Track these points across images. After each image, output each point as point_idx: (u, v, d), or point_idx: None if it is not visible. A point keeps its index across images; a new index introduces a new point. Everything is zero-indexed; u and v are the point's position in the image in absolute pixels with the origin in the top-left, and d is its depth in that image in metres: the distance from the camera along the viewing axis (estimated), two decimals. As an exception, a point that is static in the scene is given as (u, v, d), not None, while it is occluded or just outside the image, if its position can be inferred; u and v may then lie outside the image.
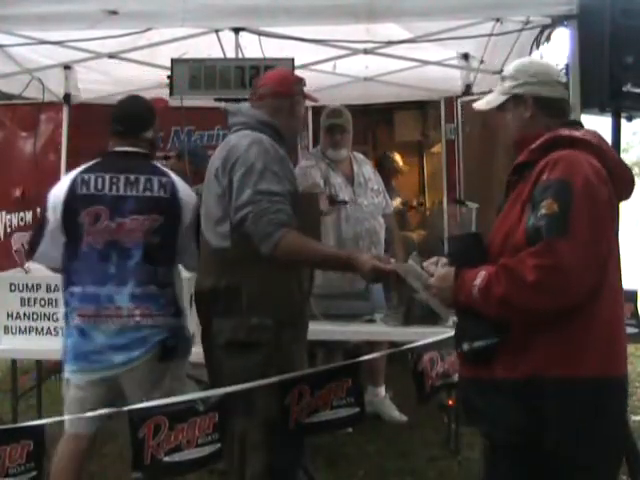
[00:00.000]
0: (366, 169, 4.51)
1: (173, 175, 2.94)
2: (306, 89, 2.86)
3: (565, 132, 2.07)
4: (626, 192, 2.08)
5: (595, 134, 2.10)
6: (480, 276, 1.92)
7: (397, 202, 6.04)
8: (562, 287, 1.84)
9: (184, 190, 2.91)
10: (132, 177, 2.84)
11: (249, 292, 2.55)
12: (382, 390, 4.69)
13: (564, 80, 2.22)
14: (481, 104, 2.30)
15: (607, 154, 2.05)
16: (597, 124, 2.87)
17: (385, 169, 5.88)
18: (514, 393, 1.94)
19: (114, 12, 3.28)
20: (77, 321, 2.74)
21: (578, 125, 2.17)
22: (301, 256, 2.50)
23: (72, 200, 2.80)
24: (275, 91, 2.77)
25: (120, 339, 2.71)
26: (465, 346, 2.02)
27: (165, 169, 2.98)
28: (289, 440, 2.50)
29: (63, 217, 2.79)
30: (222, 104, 3.94)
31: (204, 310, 2.69)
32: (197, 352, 2.82)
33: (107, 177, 2.84)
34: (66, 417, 2.10)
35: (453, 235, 2.13)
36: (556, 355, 1.91)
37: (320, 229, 2.78)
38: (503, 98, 2.20)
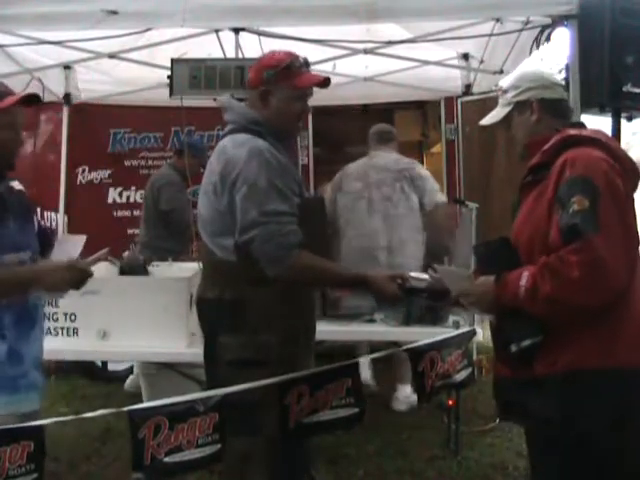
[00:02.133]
0: None
1: None
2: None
3: (574, 132, 2.14)
4: (633, 185, 2.15)
5: (601, 132, 2.17)
6: (524, 277, 1.97)
7: None
8: (604, 281, 1.89)
9: None
10: None
11: (257, 308, 2.41)
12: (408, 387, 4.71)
13: (561, 81, 2.32)
14: (489, 120, 2.39)
15: (615, 150, 2.10)
16: (597, 124, 2.88)
17: None
18: (555, 388, 1.99)
19: (114, 12, 3.28)
20: None
21: (582, 126, 2.24)
22: (315, 280, 2.47)
23: None
24: (248, 81, 2.59)
25: None
26: (513, 347, 2.05)
27: None
28: (291, 454, 2.46)
29: None
30: (217, 99, 3.93)
31: (206, 320, 2.60)
32: (197, 353, 2.81)
33: None
34: (66, 418, 2.10)
35: (480, 242, 2.18)
36: (593, 348, 1.97)
37: (326, 233, 2.71)
38: (507, 109, 2.28)
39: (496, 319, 2.16)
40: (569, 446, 2.00)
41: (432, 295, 2.31)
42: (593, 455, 1.98)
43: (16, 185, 2.49)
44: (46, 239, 2.59)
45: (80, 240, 2.52)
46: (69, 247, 2.47)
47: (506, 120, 2.31)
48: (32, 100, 2.39)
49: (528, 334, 2.03)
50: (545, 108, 2.22)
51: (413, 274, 2.41)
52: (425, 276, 2.44)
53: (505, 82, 2.36)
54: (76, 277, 2.23)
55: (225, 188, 2.40)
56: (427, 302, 2.27)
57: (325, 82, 2.63)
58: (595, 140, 2.10)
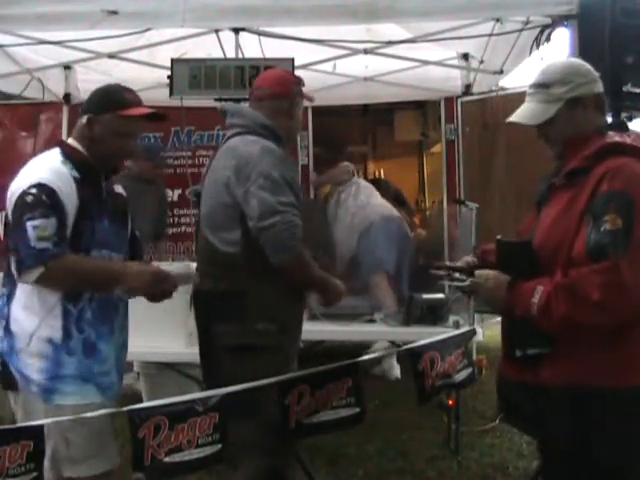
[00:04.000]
0: None
1: (35, 159, 2.38)
2: (304, 89, 2.85)
3: (618, 139, 2.04)
4: None
5: None
6: (538, 292, 1.92)
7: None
8: (624, 305, 1.85)
9: (21, 175, 2.31)
10: None
11: (256, 297, 2.55)
12: None
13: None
14: (527, 118, 2.15)
15: None
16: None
17: (390, 193, 5.98)
18: (561, 400, 1.95)
19: (114, 12, 3.29)
20: None
21: (623, 126, 2.18)
22: (305, 277, 2.61)
23: None
24: (274, 92, 2.75)
25: None
26: (518, 352, 2.03)
27: (46, 154, 2.38)
28: (286, 442, 2.52)
29: None
30: (220, 104, 3.94)
31: (204, 312, 2.69)
32: (196, 353, 2.81)
33: None
34: (66, 418, 2.09)
35: (504, 240, 2.12)
36: (603, 365, 1.92)
37: (322, 234, 2.78)
38: (557, 106, 2.08)
39: (506, 320, 2.12)
40: (577, 460, 1.97)
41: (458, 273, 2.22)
42: (600, 472, 1.95)
43: (117, 188, 2.52)
44: (137, 247, 2.61)
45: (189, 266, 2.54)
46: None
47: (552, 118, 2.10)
48: (156, 118, 2.40)
49: (536, 343, 1.99)
50: (597, 103, 2.10)
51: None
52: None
53: (546, 75, 2.14)
54: (159, 285, 2.29)
55: (240, 181, 2.55)
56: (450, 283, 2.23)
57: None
58: (638, 149, 1.99)
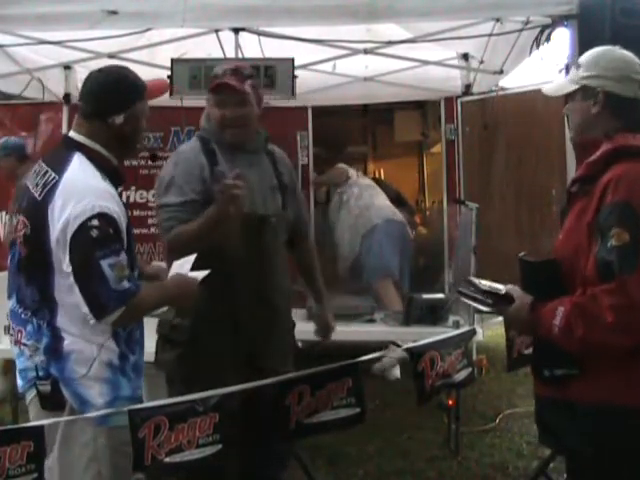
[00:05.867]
0: None
1: (70, 172, 2.15)
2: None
3: (624, 141, 1.95)
4: None
5: None
6: (559, 313, 1.87)
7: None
8: (639, 324, 1.80)
9: (65, 194, 2.10)
10: (43, 171, 2.22)
11: None
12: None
13: None
14: (551, 89, 2.18)
15: None
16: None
17: (390, 192, 6.00)
18: (588, 418, 1.92)
19: (114, 12, 3.28)
20: None
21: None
22: (188, 238, 2.61)
23: None
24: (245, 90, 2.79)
25: (17, 362, 2.31)
26: (546, 372, 2.00)
27: (73, 163, 2.18)
28: (286, 442, 2.57)
29: None
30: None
31: None
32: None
33: (35, 170, 2.28)
34: (66, 418, 2.10)
35: (527, 259, 2.05)
36: (630, 385, 1.89)
37: (244, 232, 2.72)
38: (573, 87, 2.06)
39: (534, 339, 2.08)
40: (601, 478, 1.95)
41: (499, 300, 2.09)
42: None
43: None
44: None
45: (190, 258, 2.38)
46: (181, 263, 2.39)
47: (570, 97, 2.08)
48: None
49: (563, 364, 1.96)
50: (609, 103, 1.99)
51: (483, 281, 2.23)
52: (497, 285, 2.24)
53: (586, 55, 2.09)
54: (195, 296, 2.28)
55: None
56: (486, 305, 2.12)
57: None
58: None
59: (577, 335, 1.84)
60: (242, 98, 2.73)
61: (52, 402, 2.22)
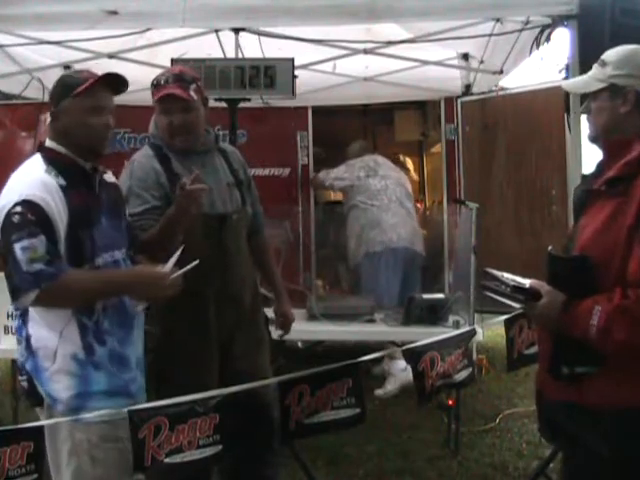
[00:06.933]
0: None
1: (16, 171, 2.28)
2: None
3: None
4: None
5: None
6: (596, 314, 1.83)
7: None
8: None
9: (4, 190, 2.22)
10: None
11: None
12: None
13: None
14: (573, 86, 2.15)
15: None
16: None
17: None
18: (612, 422, 1.88)
19: (114, 12, 3.28)
20: None
21: None
22: (157, 242, 2.58)
23: None
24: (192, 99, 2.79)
25: None
26: (565, 369, 1.95)
27: (26, 163, 2.31)
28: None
29: None
30: (222, 104, 3.94)
31: None
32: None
33: None
34: (66, 418, 2.10)
35: (557, 254, 2.01)
36: None
37: (205, 232, 2.74)
38: (600, 85, 2.01)
39: (554, 336, 2.02)
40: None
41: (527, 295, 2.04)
42: None
43: (108, 178, 2.42)
44: (133, 234, 2.53)
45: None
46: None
47: (595, 95, 2.03)
48: (115, 84, 2.28)
49: (586, 361, 1.92)
50: (639, 103, 1.96)
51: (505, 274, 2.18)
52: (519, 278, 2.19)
53: (611, 52, 2.04)
54: (167, 289, 2.23)
55: None
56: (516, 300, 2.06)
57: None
58: None
59: (618, 338, 1.80)
60: (187, 105, 2.74)
61: (31, 398, 2.28)
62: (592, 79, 2.05)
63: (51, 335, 2.19)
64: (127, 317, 2.31)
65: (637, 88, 1.97)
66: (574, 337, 1.90)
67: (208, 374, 2.69)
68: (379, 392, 5.02)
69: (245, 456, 2.83)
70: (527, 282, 2.05)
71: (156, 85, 2.77)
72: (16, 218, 2.09)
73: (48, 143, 2.28)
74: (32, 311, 2.20)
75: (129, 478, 2.21)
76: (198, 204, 2.54)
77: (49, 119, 2.28)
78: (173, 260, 2.27)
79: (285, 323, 3.13)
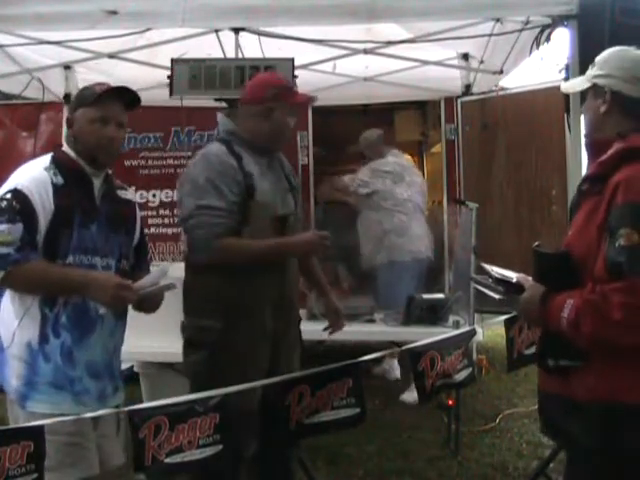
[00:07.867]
0: None
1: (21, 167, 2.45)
2: (303, 91, 2.88)
3: (637, 142, 1.93)
4: None
5: None
6: (567, 306, 1.86)
7: None
8: None
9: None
10: None
11: (199, 294, 2.74)
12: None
13: None
14: (568, 85, 2.26)
15: None
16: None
17: None
18: (594, 415, 1.90)
19: (114, 12, 3.28)
20: None
21: None
22: (240, 256, 2.68)
23: None
24: (244, 97, 2.86)
25: None
26: (550, 362, 1.99)
27: (34, 161, 2.48)
28: (286, 442, 2.56)
29: None
30: (222, 104, 3.94)
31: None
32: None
33: None
34: (66, 418, 2.10)
35: (541, 250, 2.03)
36: (635, 382, 1.87)
37: (270, 232, 2.75)
38: (586, 85, 2.07)
39: (542, 329, 2.07)
40: (607, 476, 1.93)
41: (510, 288, 2.11)
42: None
43: (124, 194, 2.54)
44: (142, 253, 2.60)
45: (164, 270, 2.45)
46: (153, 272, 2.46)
47: (583, 94, 2.11)
48: (128, 99, 2.41)
49: (569, 355, 1.94)
50: (617, 103, 1.98)
51: (495, 268, 2.25)
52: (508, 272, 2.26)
53: (602, 54, 2.08)
54: (119, 297, 2.25)
55: (178, 188, 2.87)
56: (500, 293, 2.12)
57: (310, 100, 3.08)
58: None
59: (584, 331, 1.83)
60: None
61: None
62: (581, 79, 2.12)
63: (12, 316, 2.31)
64: (86, 319, 2.33)
65: (614, 88, 1.99)
66: (552, 329, 1.95)
67: (257, 373, 2.62)
68: (407, 398, 4.87)
69: (271, 452, 2.81)
70: (515, 276, 2.11)
71: (288, 87, 2.89)
72: (3, 203, 2.25)
73: (64, 147, 2.43)
74: (6, 294, 2.33)
75: (56, 473, 2.15)
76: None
77: (69, 123, 2.42)
78: (150, 278, 2.33)
79: (338, 320, 3.12)
